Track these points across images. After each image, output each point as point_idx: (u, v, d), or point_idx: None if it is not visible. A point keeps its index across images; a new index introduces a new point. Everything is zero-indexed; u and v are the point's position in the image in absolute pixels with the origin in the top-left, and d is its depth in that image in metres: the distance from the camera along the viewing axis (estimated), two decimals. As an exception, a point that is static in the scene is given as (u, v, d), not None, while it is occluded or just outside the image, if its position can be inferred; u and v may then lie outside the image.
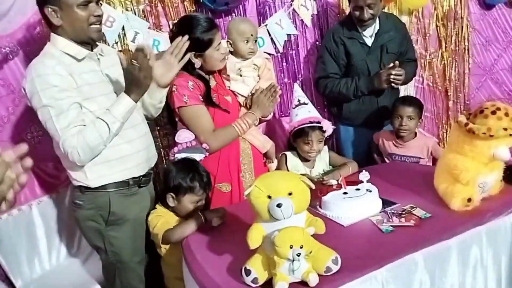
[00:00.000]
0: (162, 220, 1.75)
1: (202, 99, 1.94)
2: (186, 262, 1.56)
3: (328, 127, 2.17)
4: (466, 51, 3.20)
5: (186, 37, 1.81)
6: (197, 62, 1.94)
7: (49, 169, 2.19)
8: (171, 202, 1.80)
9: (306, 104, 2.18)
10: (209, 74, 2.04)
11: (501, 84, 3.35)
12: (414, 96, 2.40)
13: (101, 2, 1.69)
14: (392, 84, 2.42)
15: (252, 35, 2.09)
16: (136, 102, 1.68)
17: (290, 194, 1.26)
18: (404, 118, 2.37)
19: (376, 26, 2.52)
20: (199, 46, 1.89)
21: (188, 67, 1.93)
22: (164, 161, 2.55)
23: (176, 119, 2.03)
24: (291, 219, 1.27)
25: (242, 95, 2.11)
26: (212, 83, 2.05)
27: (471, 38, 3.19)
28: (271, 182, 1.29)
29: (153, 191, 1.96)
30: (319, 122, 2.14)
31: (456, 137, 1.64)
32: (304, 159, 2.21)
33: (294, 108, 2.19)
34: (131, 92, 1.65)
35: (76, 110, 1.60)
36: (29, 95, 1.59)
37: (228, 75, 2.11)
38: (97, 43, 1.76)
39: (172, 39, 1.95)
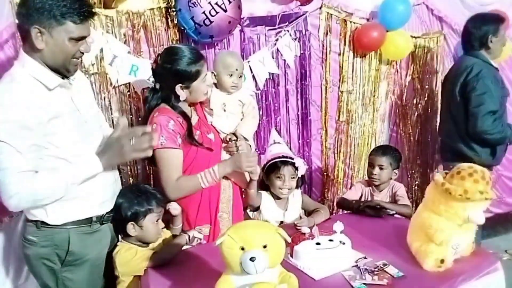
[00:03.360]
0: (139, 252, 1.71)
1: (182, 139, 1.86)
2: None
3: (300, 164, 2.12)
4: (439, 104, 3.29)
5: (152, 132, 1.65)
6: (183, 95, 1.88)
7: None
8: (132, 231, 1.71)
9: (280, 144, 2.21)
10: (191, 106, 1.99)
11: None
12: (390, 145, 2.39)
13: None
14: None
15: (237, 70, 2.05)
16: (104, 169, 1.59)
17: (265, 247, 1.20)
18: (376, 167, 2.38)
19: None
20: (187, 78, 1.84)
21: (172, 99, 1.87)
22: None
23: None
24: (264, 274, 1.20)
25: (224, 132, 2.05)
26: (194, 118, 1.98)
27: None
28: (246, 232, 1.23)
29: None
30: (292, 159, 2.12)
31: (432, 196, 1.63)
32: (277, 198, 2.15)
33: (268, 147, 2.21)
34: (106, 158, 1.57)
35: (33, 153, 1.45)
36: None
37: (211, 109, 2.05)
38: None
39: (155, 70, 1.88)
